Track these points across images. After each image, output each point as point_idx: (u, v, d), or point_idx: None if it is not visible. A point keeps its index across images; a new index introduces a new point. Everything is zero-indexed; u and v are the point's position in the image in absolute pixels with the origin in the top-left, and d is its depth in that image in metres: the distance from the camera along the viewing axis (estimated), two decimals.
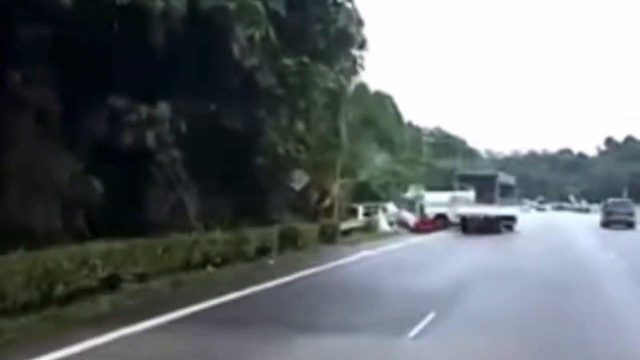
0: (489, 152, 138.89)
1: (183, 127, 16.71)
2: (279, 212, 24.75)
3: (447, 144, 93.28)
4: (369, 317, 11.68)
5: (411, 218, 40.28)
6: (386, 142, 58.05)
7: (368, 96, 65.47)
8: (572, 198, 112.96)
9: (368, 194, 42.48)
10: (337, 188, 30.98)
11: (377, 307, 12.87)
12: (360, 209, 37.71)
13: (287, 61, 18.94)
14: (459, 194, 40.21)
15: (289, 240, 22.69)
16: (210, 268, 17.46)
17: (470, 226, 37.62)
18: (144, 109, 16.21)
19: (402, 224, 39.03)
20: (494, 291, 15.29)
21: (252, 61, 18.05)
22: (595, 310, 12.97)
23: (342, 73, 27.02)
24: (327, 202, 30.13)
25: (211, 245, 17.70)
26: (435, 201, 41.46)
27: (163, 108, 16.43)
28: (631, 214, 45.76)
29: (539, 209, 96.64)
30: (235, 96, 17.96)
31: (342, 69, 26.90)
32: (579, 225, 49.60)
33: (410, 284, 15.79)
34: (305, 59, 19.73)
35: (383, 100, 69.44)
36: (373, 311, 12.36)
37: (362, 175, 44.90)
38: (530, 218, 55.68)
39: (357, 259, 22.57)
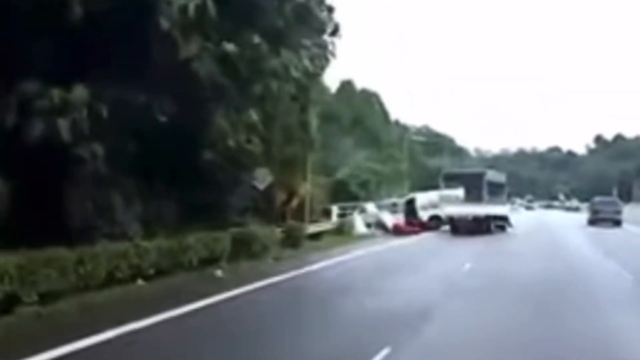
0: (477, 150, 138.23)
1: (105, 112, 14.05)
2: (238, 215, 22.20)
3: (436, 143, 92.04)
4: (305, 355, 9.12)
5: (390, 219, 37.51)
6: (372, 141, 56.24)
7: (354, 93, 63.67)
8: (561, 196, 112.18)
9: (346, 194, 40.14)
10: (306, 187, 28.33)
11: (319, 338, 10.24)
12: (335, 210, 35.04)
13: (230, 46, 16.21)
14: (447, 192, 38.24)
15: (245, 247, 20.08)
16: (140, 282, 14.93)
17: (458, 227, 35.63)
18: (56, 93, 13.61)
19: (380, 225, 36.33)
20: (473, 307, 12.93)
21: (191, 47, 15.38)
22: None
23: (312, 62, 24.52)
24: (295, 202, 27.49)
25: (142, 256, 15.11)
26: (429, 202, 39.13)
27: (79, 92, 13.83)
28: (618, 212, 46.26)
29: (528, 208, 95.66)
30: (168, 80, 15.29)
31: (311, 57, 24.38)
32: (567, 224, 49.15)
33: (367, 302, 13.22)
34: (256, 40, 17.08)
35: (369, 98, 68.00)
36: (312, 345, 9.71)
37: (340, 174, 42.51)
38: (519, 217, 53.64)
39: (318, 268, 20.00)
